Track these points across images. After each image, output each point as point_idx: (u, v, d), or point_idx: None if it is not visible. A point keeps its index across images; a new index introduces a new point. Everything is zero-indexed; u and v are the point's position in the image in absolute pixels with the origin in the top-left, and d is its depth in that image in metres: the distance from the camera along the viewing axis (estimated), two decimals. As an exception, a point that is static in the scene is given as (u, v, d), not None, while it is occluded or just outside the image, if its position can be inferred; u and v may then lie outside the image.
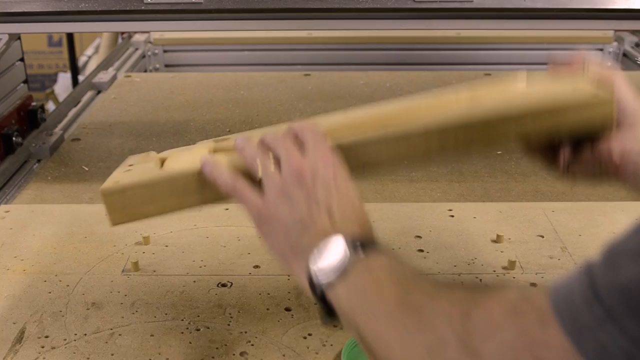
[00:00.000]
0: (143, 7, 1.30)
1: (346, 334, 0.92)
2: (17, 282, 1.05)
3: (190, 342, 0.92)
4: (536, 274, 1.04)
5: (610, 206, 1.26)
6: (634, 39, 2.47)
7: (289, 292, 1.02)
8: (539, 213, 1.21)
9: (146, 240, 1.15)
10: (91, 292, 1.02)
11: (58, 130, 1.71)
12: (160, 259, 1.11)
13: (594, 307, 0.39)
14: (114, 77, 2.12)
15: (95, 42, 3.66)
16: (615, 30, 2.48)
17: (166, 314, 0.98)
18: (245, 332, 0.93)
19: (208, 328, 0.94)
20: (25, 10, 1.32)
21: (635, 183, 0.68)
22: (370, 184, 1.40)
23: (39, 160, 1.56)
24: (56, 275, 1.07)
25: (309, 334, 0.93)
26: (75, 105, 1.91)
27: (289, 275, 1.06)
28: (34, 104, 1.70)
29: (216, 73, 2.28)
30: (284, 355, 0.89)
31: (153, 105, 1.88)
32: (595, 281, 0.40)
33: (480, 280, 1.00)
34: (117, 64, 2.29)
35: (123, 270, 1.08)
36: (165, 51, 2.51)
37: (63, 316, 0.97)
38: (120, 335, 0.93)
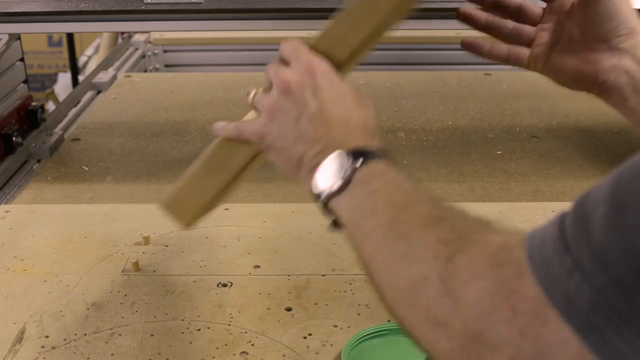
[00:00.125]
0: (143, 7, 1.30)
1: (346, 334, 0.92)
2: (17, 282, 1.05)
3: (190, 342, 0.92)
4: (536, 274, 1.04)
5: (610, 206, 1.26)
6: (634, 39, 2.46)
7: (289, 292, 1.02)
8: (539, 213, 1.21)
9: (146, 240, 1.15)
10: (91, 292, 1.02)
11: (58, 130, 1.71)
12: (160, 259, 1.11)
13: (563, 258, 0.40)
14: (114, 77, 2.12)
15: (95, 42, 3.66)
16: (615, 30, 2.48)
17: (166, 314, 0.98)
18: (245, 332, 0.93)
19: (208, 328, 0.94)
20: (25, 10, 1.32)
21: (621, 101, 0.69)
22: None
23: (39, 160, 1.56)
24: (56, 275, 1.07)
25: (309, 334, 0.93)
26: (75, 105, 1.91)
27: (288, 275, 1.06)
28: (34, 104, 1.70)
29: (216, 73, 2.28)
30: (284, 355, 0.89)
31: (153, 105, 1.88)
32: (565, 232, 0.41)
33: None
34: (117, 64, 2.29)
35: (123, 270, 1.08)
36: (165, 51, 2.51)
37: (63, 316, 0.97)
38: (120, 335, 0.93)
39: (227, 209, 1.25)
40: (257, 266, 1.09)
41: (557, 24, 0.78)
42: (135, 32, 2.51)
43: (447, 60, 2.50)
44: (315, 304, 1.00)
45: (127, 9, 1.30)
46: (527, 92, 1.98)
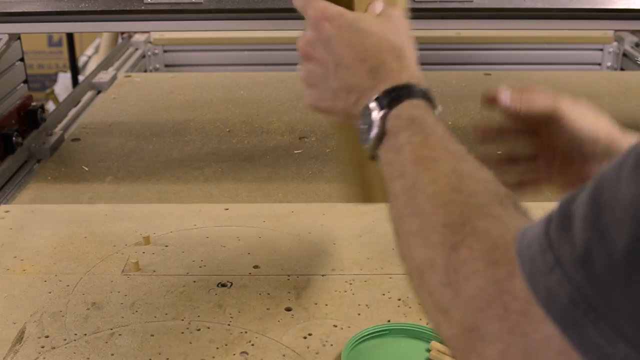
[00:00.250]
0: (143, 7, 1.30)
1: (346, 334, 0.92)
2: (17, 282, 1.05)
3: (190, 342, 0.92)
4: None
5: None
6: (634, 39, 2.47)
7: (289, 292, 1.02)
8: (539, 213, 1.21)
9: (146, 240, 1.15)
10: (91, 292, 1.02)
11: (58, 130, 1.71)
12: (160, 259, 1.11)
13: (546, 255, 0.42)
14: (114, 77, 2.12)
15: (95, 42, 3.66)
16: (615, 30, 2.48)
17: (166, 314, 0.98)
18: (245, 332, 0.93)
19: (208, 328, 0.94)
20: (25, 10, 1.32)
21: None
22: (370, 184, 1.39)
23: (39, 160, 1.56)
24: (56, 275, 1.07)
25: (309, 334, 0.93)
26: (75, 105, 1.91)
27: (288, 275, 1.06)
28: (34, 104, 1.70)
29: (216, 73, 2.28)
30: (284, 355, 0.89)
31: (153, 105, 1.88)
32: (550, 230, 0.43)
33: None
34: (117, 64, 2.29)
35: (123, 270, 1.08)
36: (165, 51, 2.51)
37: (63, 316, 0.97)
38: (120, 335, 0.93)
39: (227, 209, 1.25)
40: (257, 266, 1.09)
41: (547, 149, 0.80)
42: (135, 32, 2.51)
43: (447, 60, 2.51)
44: (315, 304, 1.00)
45: (127, 9, 1.30)
46: (527, 92, 1.97)
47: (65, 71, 3.87)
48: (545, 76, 2.13)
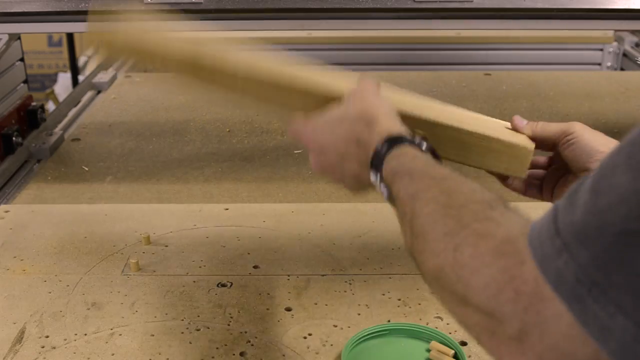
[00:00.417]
0: (143, 8, 1.30)
1: (346, 334, 0.92)
2: (17, 282, 1.05)
3: (190, 342, 0.92)
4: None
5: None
6: (634, 39, 2.47)
7: (289, 292, 1.02)
8: (539, 213, 1.21)
9: (146, 240, 1.15)
10: (91, 292, 1.02)
11: (58, 130, 1.71)
12: (160, 259, 1.11)
13: (555, 240, 0.47)
14: (114, 77, 2.12)
15: (95, 42, 3.66)
16: (615, 30, 2.48)
17: (166, 314, 0.98)
18: (245, 332, 0.93)
19: (208, 328, 0.94)
20: (25, 10, 1.32)
21: None
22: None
23: (39, 160, 1.56)
24: (56, 275, 1.07)
25: (309, 334, 0.93)
26: (75, 105, 1.91)
27: (288, 275, 1.06)
28: (34, 104, 1.70)
29: (216, 73, 2.28)
30: (284, 355, 0.89)
31: (153, 105, 1.88)
32: (557, 217, 0.48)
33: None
34: (117, 64, 2.29)
35: (123, 270, 1.08)
36: (165, 51, 2.50)
37: (63, 316, 0.97)
38: (120, 335, 0.93)
39: (227, 209, 1.25)
40: (257, 266, 1.09)
41: (559, 161, 0.89)
42: (136, 32, 2.50)
43: (447, 60, 2.51)
44: (315, 304, 1.00)
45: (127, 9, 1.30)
46: (527, 92, 1.98)
47: (65, 71, 3.87)
48: (545, 76, 2.13)
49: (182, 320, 0.96)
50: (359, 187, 0.80)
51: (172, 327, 0.95)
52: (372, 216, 1.21)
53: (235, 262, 1.10)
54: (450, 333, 0.91)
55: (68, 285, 1.04)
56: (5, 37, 1.47)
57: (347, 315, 0.97)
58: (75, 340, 0.92)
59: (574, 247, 0.45)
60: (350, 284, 1.04)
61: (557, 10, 1.32)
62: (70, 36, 3.38)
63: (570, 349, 0.46)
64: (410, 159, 0.70)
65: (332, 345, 0.91)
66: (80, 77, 3.30)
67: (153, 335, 0.93)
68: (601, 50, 2.50)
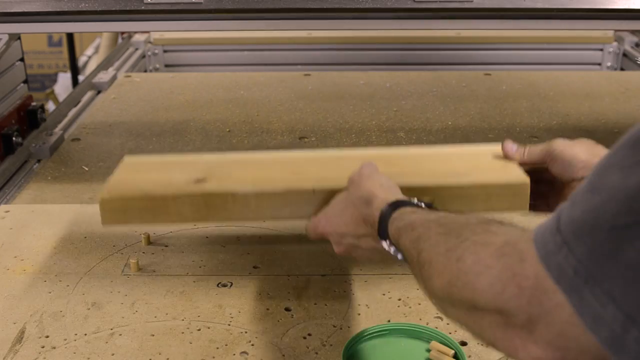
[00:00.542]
0: (143, 7, 1.30)
1: (346, 334, 0.92)
2: (17, 282, 1.05)
3: (190, 342, 0.92)
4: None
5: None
6: (634, 39, 2.47)
7: (289, 292, 1.02)
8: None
9: (146, 240, 1.15)
10: (91, 292, 1.02)
11: (58, 130, 1.71)
12: (160, 259, 1.11)
13: (556, 236, 0.50)
14: (114, 77, 2.12)
15: (95, 42, 3.66)
16: (615, 30, 2.48)
17: (166, 314, 0.98)
18: (245, 332, 0.93)
19: (208, 328, 0.94)
20: (25, 10, 1.32)
21: None
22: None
23: (39, 160, 1.56)
24: (56, 275, 1.07)
25: (309, 334, 0.93)
26: (75, 105, 1.91)
27: (288, 275, 1.06)
28: (34, 104, 1.70)
29: (216, 73, 2.28)
30: (284, 355, 0.89)
31: (153, 105, 1.88)
32: (560, 217, 0.51)
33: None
34: (117, 64, 2.29)
35: (123, 270, 1.08)
36: (165, 51, 2.51)
37: (63, 316, 0.97)
38: (120, 335, 0.93)
39: (227, 209, 1.25)
40: (257, 266, 1.09)
41: (551, 178, 0.97)
42: (135, 32, 2.51)
43: (447, 60, 2.51)
44: (315, 304, 1.00)
45: (127, 9, 1.30)
46: (527, 92, 1.98)
47: (65, 71, 3.88)
48: (545, 76, 2.13)
49: (182, 320, 0.96)
50: (381, 257, 0.88)
51: (172, 327, 0.95)
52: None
53: (235, 262, 1.10)
54: (450, 333, 0.91)
55: (68, 285, 1.04)
56: (5, 37, 1.46)
57: (347, 315, 0.97)
58: (75, 340, 0.92)
59: (572, 243, 0.49)
60: (350, 284, 1.04)
61: (557, 10, 1.32)
62: (70, 36, 3.38)
63: (575, 335, 0.49)
64: (409, 214, 0.78)
65: (332, 345, 0.91)
66: (80, 77, 3.30)
67: (153, 335, 0.93)
68: (601, 50, 2.50)
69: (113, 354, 0.89)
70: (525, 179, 0.97)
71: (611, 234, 0.46)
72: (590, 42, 2.50)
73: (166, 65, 2.52)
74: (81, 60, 3.73)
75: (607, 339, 0.46)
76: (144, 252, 1.12)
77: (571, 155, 0.94)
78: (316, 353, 0.89)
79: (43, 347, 0.91)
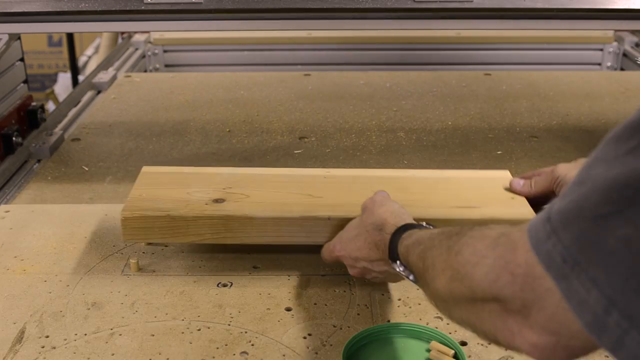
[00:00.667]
0: (143, 7, 1.30)
1: (346, 334, 0.92)
2: (17, 282, 1.05)
3: (190, 342, 0.92)
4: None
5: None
6: (634, 39, 2.47)
7: (289, 292, 1.02)
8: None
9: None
10: (91, 292, 1.02)
11: (58, 130, 1.71)
12: (160, 259, 1.11)
13: (546, 226, 0.53)
14: (114, 77, 2.12)
15: (95, 42, 3.66)
16: (615, 30, 2.48)
17: (166, 314, 0.98)
18: (245, 332, 0.93)
19: (208, 328, 0.94)
20: (25, 10, 1.32)
21: None
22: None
23: (39, 160, 1.56)
24: (56, 275, 1.07)
25: (309, 334, 0.93)
26: (75, 105, 1.91)
27: (288, 275, 1.06)
28: (34, 104, 1.70)
29: (216, 73, 2.28)
30: (284, 355, 0.89)
31: (153, 105, 1.88)
32: (551, 208, 0.54)
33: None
34: (117, 64, 2.29)
35: (123, 270, 1.08)
36: (165, 51, 2.51)
37: (63, 316, 0.97)
38: (120, 335, 0.93)
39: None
40: (257, 266, 1.09)
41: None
42: (135, 32, 2.51)
43: (447, 60, 2.51)
44: (315, 304, 1.00)
45: (127, 9, 1.30)
46: (527, 92, 1.98)
47: (65, 71, 3.88)
48: (545, 76, 2.13)
49: (182, 320, 0.96)
50: (393, 279, 0.97)
51: (172, 327, 0.95)
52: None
53: (235, 262, 1.10)
54: (450, 333, 0.91)
55: (68, 285, 1.04)
56: (5, 37, 1.46)
57: (347, 315, 0.97)
58: (75, 340, 0.92)
59: (560, 231, 0.51)
60: (350, 284, 1.04)
61: (557, 10, 1.32)
62: (70, 36, 3.38)
63: (565, 320, 0.52)
64: (417, 232, 0.83)
65: (332, 345, 0.91)
66: (80, 77, 3.30)
67: (153, 335, 0.93)
68: (601, 50, 2.50)
69: (113, 354, 0.89)
70: (531, 213, 1.04)
71: (594, 222, 0.49)
72: (590, 42, 2.50)
73: (166, 65, 2.52)
74: (81, 60, 3.73)
75: (590, 323, 0.49)
76: (144, 252, 1.12)
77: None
78: (316, 353, 0.89)
79: (43, 347, 0.91)
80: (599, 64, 2.52)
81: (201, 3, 1.30)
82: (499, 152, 1.57)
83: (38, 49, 4.07)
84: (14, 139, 1.54)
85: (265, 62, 2.49)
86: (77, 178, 1.45)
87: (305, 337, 0.93)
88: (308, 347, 0.91)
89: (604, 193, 0.48)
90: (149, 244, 1.14)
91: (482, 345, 0.90)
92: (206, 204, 1.06)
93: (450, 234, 0.68)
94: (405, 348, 0.91)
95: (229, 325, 0.95)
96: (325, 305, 1.00)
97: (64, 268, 1.09)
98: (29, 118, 1.66)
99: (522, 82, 2.06)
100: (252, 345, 0.91)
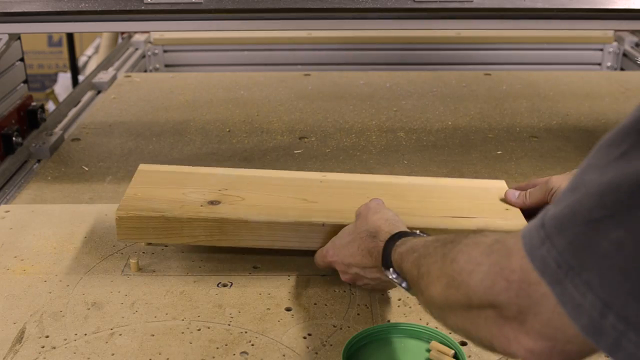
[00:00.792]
0: (143, 7, 1.30)
1: (346, 334, 0.92)
2: (17, 282, 1.05)
3: (190, 342, 0.92)
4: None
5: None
6: (634, 39, 2.47)
7: (289, 292, 1.02)
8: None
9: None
10: (91, 292, 1.02)
11: (58, 130, 1.71)
12: (160, 259, 1.11)
13: (540, 232, 0.53)
14: (114, 77, 2.12)
15: (95, 42, 3.66)
16: (615, 30, 2.48)
17: (166, 314, 0.98)
18: (245, 332, 0.93)
19: (208, 328, 0.94)
20: (25, 10, 1.32)
21: None
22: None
23: (39, 160, 1.56)
24: (56, 275, 1.07)
25: (309, 334, 0.93)
26: (75, 105, 1.91)
27: (289, 275, 1.06)
28: (34, 104, 1.70)
29: (216, 73, 2.28)
30: (284, 355, 0.89)
31: (153, 105, 1.88)
32: (545, 214, 0.54)
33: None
34: (117, 64, 2.29)
35: (123, 271, 1.08)
36: (165, 51, 2.51)
37: (63, 316, 0.97)
38: (120, 335, 0.93)
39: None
40: (257, 266, 1.09)
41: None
42: (135, 32, 2.51)
43: (447, 60, 2.51)
44: (315, 304, 1.00)
45: (127, 9, 1.30)
46: (527, 92, 1.98)
47: (65, 71, 3.88)
48: (545, 76, 2.13)
49: (182, 320, 0.96)
50: (384, 286, 0.97)
51: (172, 327, 0.95)
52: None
53: (235, 262, 1.10)
54: (450, 333, 0.91)
55: (68, 285, 1.04)
56: (5, 37, 1.46)
57: (347, 315, 0.97)
58: (75, 340, 0.92)
59: (554, 237, 0.51)
60: (350, 284, 1.04)
61: (557, 10, 1.32)
62: (70, 36, 3.38)
63: (560, 325, 0.52)
64: (411, 240, 0.83)
65: (332, 345, 0.91)
66: (80, 77, 3.30)
67: (153, 335, 0.93)
68: (601, 50, 2.50)
69: (113, 354, 0.89)
70: (524, 223, 1.04)
71: (587, 227, 0.49)
72: (590, 42, 2.50)
73: (166, 65, 2.52)
74: (81, 60, 3.73)
75: (586, 326, 0.49)
76: (144, 252, 1.12)
77: None
78: (316, 353, 0.89)
79: (43, 347, 0.91)
80: (599, 64, 2.52)
81: (201, 3, 1.30)
82: (499, 152, 1.57)
83: (38, 49, 4.07)
84: (14, 139, 1.54)
85: (265, 62, 2.49)
86: (77, 178, 1.45)
87: (305, 337, 0.93)
88: (308, 347, 0.91)
89: (597, 198, 0.49)
90: (149, 243, 1.14)
91: (482, 345, 0.90)
92: (201, 206, 1.07)
93: (445, 242, 0.69)
94: (405, 348, 0.91)
95: (229, 325, 0.95)
96: (325, 305, 1.00)
97: (64, 268, 1.09)
98: (29, 118, 1.66)
99: (522, 82, 2.06)
100: (252, 345, 0.91)
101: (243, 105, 1.87)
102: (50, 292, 1.02)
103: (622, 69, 2.47)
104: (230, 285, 1.04)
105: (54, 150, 1.58)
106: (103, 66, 2.24)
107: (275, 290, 1.03)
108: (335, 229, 1.03)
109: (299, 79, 2.10)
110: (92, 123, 1.76)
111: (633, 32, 2.49)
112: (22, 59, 1.67)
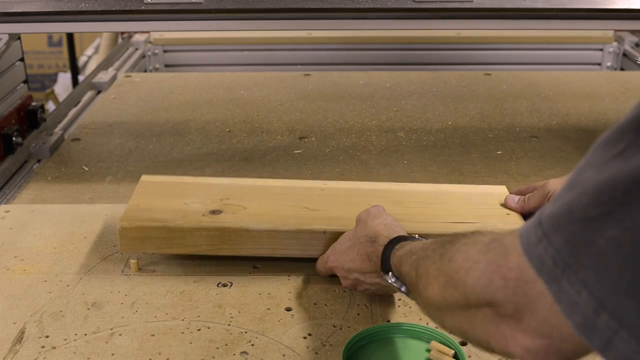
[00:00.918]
0: (143, 7, 1.30)
1: (346, 334, 0.92)
2: (17, 282, 1.05)
3: (190, 342, 0.92)
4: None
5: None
6: (634, 39, 2.47)
7: (289, 292, 1.02)
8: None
9: (146, 240, 1.14)
10: (91, 292, 1.02)
11: (58, 130, 1.71)
12: (160, 259, 1.11)
13: (537, 230, 0.53)
14: (114, 77, 2.12)
15: (95, 42, 3.66)
16: (615, 30, 2.48)
17: (166, 314, 0.98)
18: (245, 332, 0.93)
19: (208, 328, 0.94)
20: (25, 10, 1.32)
21: None
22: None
23: (39, 160, 1.56)
24: (56, 275, 1.07)
25: (309, 334, 0.93)
26: (75, 105, 1.91)
27: (289, 275, 1.06)
28: (34, 104, 1.70)
29: (216, 73, 2.28)
30: (284, 355, 0.89)
31: (153, 105, 1.88)
32: (542, 213, 0.54)
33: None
34: (117, 64, 2.29)
35: (123, 271, 1.08)
36: (165, 51, 2.51)
37: (63, 316, 0.97)
38: (120, 335, 0.93)
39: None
40: (257, 266, 1.09)
41: None
42: (135, 32, 2.51)
43: (447, 60, 2.51)
44: (315, 304, 1.00)
45: (127, 9, 1.30)
46: (527, 92, 1.98)
47: (65, 71, 3.88)
48: (545, 76, 2.14)
49: (182, 320, 0.96)
50: (384, 291, 0.98)
51: (172, 327, 0.95)
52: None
53: (235, 262, 1.10)
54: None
55: (68, 285, 1.04)
56: (5, 37, 1.46)
57: (347, 315, 0.97)
58: (75, 340, 0.92)
59: (551, 235, 0.52)
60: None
61: (557, 10, 1.32)
62: (70, 36, 3.38)
63: (556, 323, 0.52)
64: (410, 243, 0.84)
65: (332, 345, 0.91)
66: (80, 77, 3.30)
67: (153, 335, 0.93)
68: (601, 50, 2.50)
69: (113, 354, 0.89)
70: None
71: (584, 225, 0.49)
72: (590, 42, 2.50)
73: (166, 65, 2.52)
74: (81, 60, 3.73)
75: (580, 324, 0.49)
76: (144, 252, 1.12)
77: None
78: (316, 353, 0.89)
79: (43, 347, 0.91)
80: (599, 64, 2.52)
81: (201, 3, 1.30)
82: (499, 152, 1.57)
83: (38, 49, 4.07)
84: (14, 139, 1.54)
85: (265, 62, 2.49)
86: (77, 178, 1.45)
87: (305, 337, 0.93)
88: (308, 347, 0.91)
89: (594, 196, 0.49)
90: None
91: (482, 345, 0.90)
92: (203, 215, 1.07)
93: (443, 242, 0.69)
94: (405, 348, 0.91)
95: (229, 325, 0.95)
96: (325, 305, 1.00)
97: (64, 268, 1.09)
98: (29, 118, 1.66)
99: (522, 82, 2.06)
100: (252, 345, 0.91)
101: (243, 105, 1.87)
102: (50, 292, 1.02)
103: (622, 69, 2.47)
104: (230, 285, 1.04)
105: (54, 150, 1.58)
106: (103, 66, 2.24)
107: (275, 290, 1.03)
108: (336, 237, 1.04)
109: (299, 79, 2.10)
110: (92, 123, 1.76)
111: (633, 32, 2.49)
112: (22, 59, 1.67)
